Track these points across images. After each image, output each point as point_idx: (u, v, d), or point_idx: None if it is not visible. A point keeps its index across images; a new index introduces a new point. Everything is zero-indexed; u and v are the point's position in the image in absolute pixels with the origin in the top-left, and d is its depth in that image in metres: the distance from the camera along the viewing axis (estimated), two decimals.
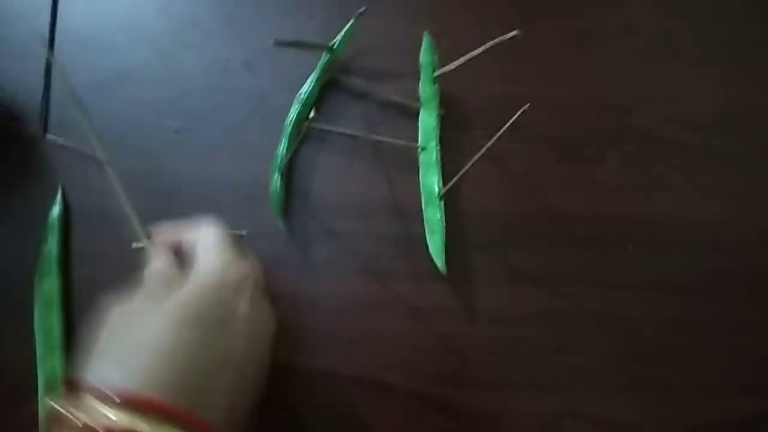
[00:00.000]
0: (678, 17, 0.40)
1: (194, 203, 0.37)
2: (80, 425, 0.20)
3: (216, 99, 0.39)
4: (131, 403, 0.20)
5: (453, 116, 0.38)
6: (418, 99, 0.38)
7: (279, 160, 0.37)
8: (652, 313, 0.35)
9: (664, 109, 0.38)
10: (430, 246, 0.35)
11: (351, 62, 0.39)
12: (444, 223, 0.35)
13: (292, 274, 0.36)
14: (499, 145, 0.31)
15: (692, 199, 0.37)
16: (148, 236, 0.30)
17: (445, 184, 0.35)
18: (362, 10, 0.37)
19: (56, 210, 0.37)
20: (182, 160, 0.38)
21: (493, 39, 0.31)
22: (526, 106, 0.29)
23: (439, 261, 0.35)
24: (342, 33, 0.38)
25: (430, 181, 0.36)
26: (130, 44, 0.40)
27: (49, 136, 0.38)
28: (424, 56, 0.37)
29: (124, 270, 0.28)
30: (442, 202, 0.35)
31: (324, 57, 0.38)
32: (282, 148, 0.37)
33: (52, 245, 0.36)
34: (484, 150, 0.32)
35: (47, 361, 0.34)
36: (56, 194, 0.37)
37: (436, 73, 0.37)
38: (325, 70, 0.38)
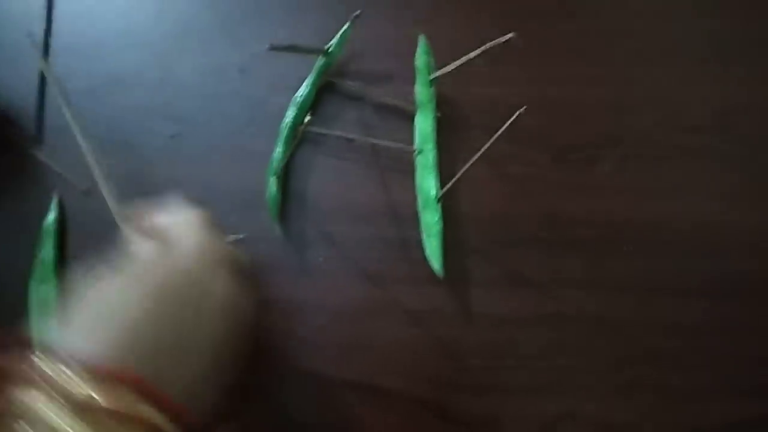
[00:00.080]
0: (673, 18, 0.40)
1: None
2: (43, 387, 0.20)
3: (211, 104, 0.39)
4: (95, 372, 0.20)
5: (449, 119, 0.38)
6: (414, 102, 0.38)
7: (275, 164, 0.37)
8: (650, 315, 0.35)
9: (661, 111, 0.38)
10: (427, 249, 0.35)
11: (347, 65, 0.39)
12: (441, 227, 0.35)
13: (289, 278, 0.36)
14: (496, 148, 0.31)
15: (690, 201, 0.37)
16: (128, 218, 0.30)
17: (441, 187, 0.35)
18: (357, 13, 0.37)
19: (51, 216, 0.37)
20: (178, 166, 0.38)
21: (488, 41, 0.31)
22: (523, 109, 0.29)
23: (437, 264, 0.34)
24: (337, 36, 0.38)
25: (427, 184, 0.36)
26: (125, 49, 0.40)
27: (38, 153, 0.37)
28: (420, 59, 0.37)
29: None
30: (439, 205, 0.35)
31: (319, 60, 0.38)
32: (278, 152, 0.37)
33: (47, 251, 0.36)
34: (480, 153, 0.32)
35: None
36: (50, 199, 0.37)
37: (432, 76, 0.37)
38: (321, 73, 0.38)
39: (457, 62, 0.34)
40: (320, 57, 0.38)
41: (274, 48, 0.32)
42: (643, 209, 0.37)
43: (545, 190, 0.37)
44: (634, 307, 0.35)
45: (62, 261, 0.36)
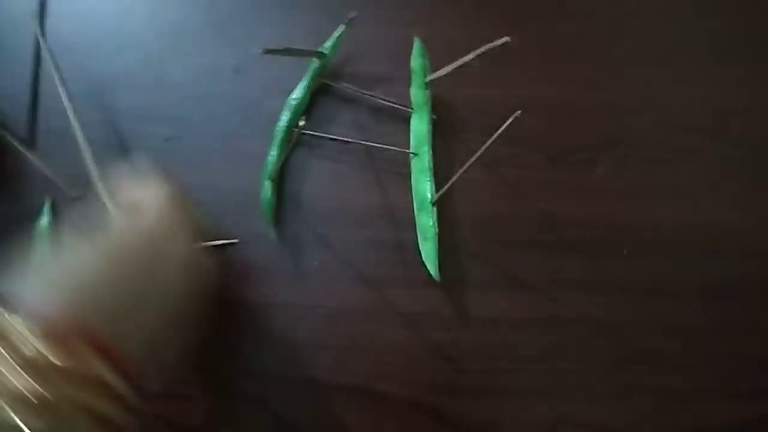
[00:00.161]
0: (670, 19, 0.39)
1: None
2: None
3: (206, 106, 0.39)
4: (50, 328, 0.21)
5: (445, 121, 0.38)
6: (409, 104, 0.37)
7: (270, 167, 0.36)
8: (648, 318, 0.35)
9: (660, 112, 0.38)
10: (422, 252, 0.35)
11: (342, 68, 0.39)
12: (437, 230, 0.34)
13: (284, 282, 0.36)
14: (493, 150, 0.31)
15: (689, 202, 0.36)
16: (105, 189, 0.32)
17: (437, 189, 0.35)
18: (353, 15, 0.36)
19: (44, 219, 0.36)
20: (173, 168, 0.37)
21: (484, 43, 0.31)
22: (519, 113, 0.28)
23: (432, 267, 0.34)
24: (332, 38, 0.37)
25: (423, 187, 0.36)
26: (119, 51, 0.40)
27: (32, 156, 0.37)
28: (415, 61, 0.37)
29: None
30: (435, 208, 0.35)
31: (314, 63, 0.38)
32: (272, 155, 0.37)
33: (41, 255, 0.36)
34: (477, 155, 0.31)
35: None
36: (43, 203, 0.37)
37: (428, 78, 0.36)
38: (316, 75, 0.38)
39: (453, 64, 0.33)
40: (315, 59, 0.37)
41: (268, 52, 0.32)
42: (642, 210, 0.36)
43: (543, 192, 0.37)
44: (633, 308, 0.35)
45: None
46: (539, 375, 0.34)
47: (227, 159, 0.38)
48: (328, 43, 0.37)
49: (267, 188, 0.36)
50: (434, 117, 0.37)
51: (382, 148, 0.37)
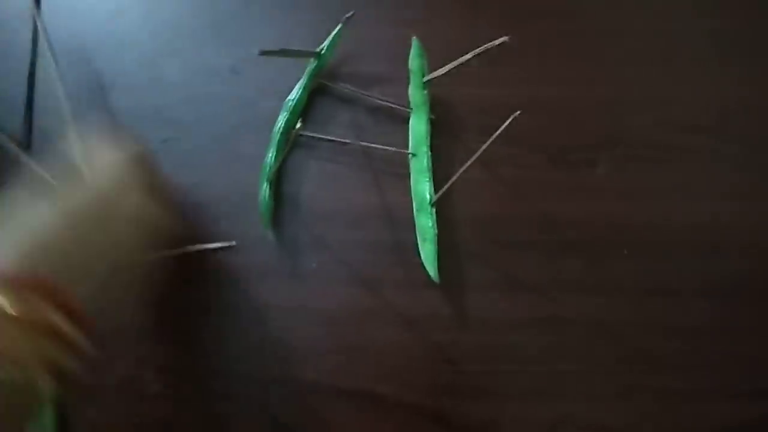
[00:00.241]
0: (670, 19, 0.39)
1: (182, 213, 0.36)
2: None
3: (203, 107, 0.38)
4: (4, 278, 0.22)
5: (443, 121, 0.37)
6: (408, 104, 0.37)
7: (267, 169, 0.36)
8: (648, 319, 0.35)
9: (660, 111, 0.38)
10: (421, 254, 0.35)
11: (339, 68, 0.39)
12: (436, 231, 0.34)
13: (282, 284, 0.36)
14: (492, 150, 0.31)
15: (689, 201, 0.36)
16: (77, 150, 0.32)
17: (436, 190, 0.35)
18: (350, 14, 0.36)
19: None
20: (170, 170, 0.37)
21: (482, 43, 0.31)
22: (518, 113, 0.28)
23: (432, 269, 0.34)
24: (329, 38, 0.37)
25: (422, 187, 0.35)
26: (115, 53, 0.40)
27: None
28: (414, 61, 0.37)
29: None
30: (434, 209, 0.35)
31: (311, 63, 0.37)
32: (270, 156, 0.36)
33: None
34: (476, 156, 0.31)
35: None
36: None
37: (426, 78, 0.36)
38: (313, 76, 0.38)
39: (451, 64, 0.33)
40: (312, 59, 0.37)
41: (264, 53, 0.32)
42: (642, 210, 0.36)
43: (542, 192, 0.37)
44: (633, 309, 0.35)
45: None
46: (539, 375, 0.34)
47: (224, 160, 0.38)
48: (325, 43, 0.37)
49: (265, 190, 0.36)
50: (433, 117, 0.37)
51: (381, 148, 0.36)
